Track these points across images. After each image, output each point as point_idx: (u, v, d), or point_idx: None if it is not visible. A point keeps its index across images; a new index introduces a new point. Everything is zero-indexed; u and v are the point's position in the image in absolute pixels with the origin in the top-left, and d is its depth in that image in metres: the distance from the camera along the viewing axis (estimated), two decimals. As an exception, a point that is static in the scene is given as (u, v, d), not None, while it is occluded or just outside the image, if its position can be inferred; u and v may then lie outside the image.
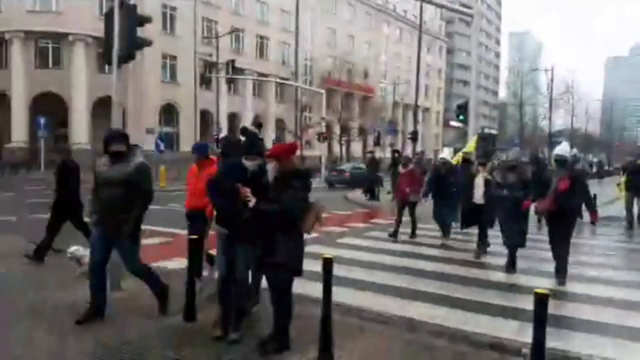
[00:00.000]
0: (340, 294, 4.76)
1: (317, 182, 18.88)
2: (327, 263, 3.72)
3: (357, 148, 46.82)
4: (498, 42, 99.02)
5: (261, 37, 41.13)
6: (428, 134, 61.30)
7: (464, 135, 62.09)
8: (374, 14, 53.10)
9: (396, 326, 4.54)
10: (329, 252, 5.55)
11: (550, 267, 6.35)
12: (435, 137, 64.16)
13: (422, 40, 25.70)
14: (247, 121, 40.00)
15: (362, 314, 4.80)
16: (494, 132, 75.04)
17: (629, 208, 11.37)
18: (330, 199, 15.70)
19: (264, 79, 38.16)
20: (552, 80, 46.51)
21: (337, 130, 40.62)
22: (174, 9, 33.96)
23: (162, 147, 21.06)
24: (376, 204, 15.78)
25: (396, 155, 17.09)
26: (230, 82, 31.06)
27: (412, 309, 5.07)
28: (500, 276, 6.53)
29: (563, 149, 6.33)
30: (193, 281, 4.47)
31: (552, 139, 46.98)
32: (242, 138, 4.10)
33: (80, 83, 29.68)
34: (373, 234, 9.83)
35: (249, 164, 3.88)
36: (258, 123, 33.92)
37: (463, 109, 14.46)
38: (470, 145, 11.76)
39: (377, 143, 27.07)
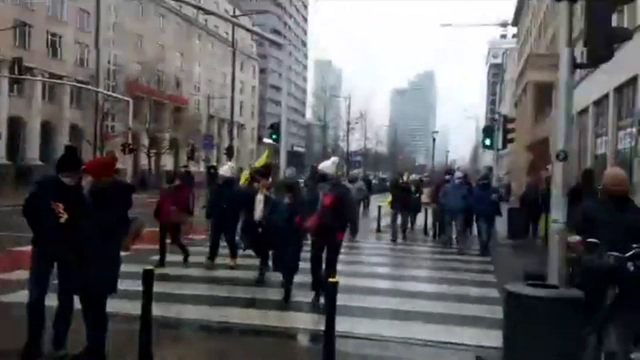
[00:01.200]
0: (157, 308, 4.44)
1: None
2: (148, 276, 3.74)
3: (168, 161, 44.49)
4: (305, 67, 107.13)
5: (53, 35, 36.20)
6: (244, 149, 62.14)
7: (277, 152, 64.27)
8: (186, 26, 51.81)
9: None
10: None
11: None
12: (250, 152, 65.36)
13: (236, 57, 26.04)
14: (34, 127, 34.72)
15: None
16: (302, 150, 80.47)
17: (393, 220, 12.25)
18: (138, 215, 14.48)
19: (58, 81, 33.55)
20: (349, 107, 53.08)
21: (145, 141, 38.00)
22: None
23: None
24: (190, 219, 15.17)
25: (212, 171, 16.74)
26: (15, 82, 26.40)
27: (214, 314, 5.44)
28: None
29: (326, 164, 5.95)
30: None
31: (349, 158, 53.59)
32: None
33: None
34: (192, 249, 9.30)
35: (67, 180, 3.79)
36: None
37: (276, 129, 15.09)
38: (261, 160, 11.17)
39: (190, 157, 26.09)
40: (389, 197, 13.39)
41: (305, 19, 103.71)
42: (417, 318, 5.41)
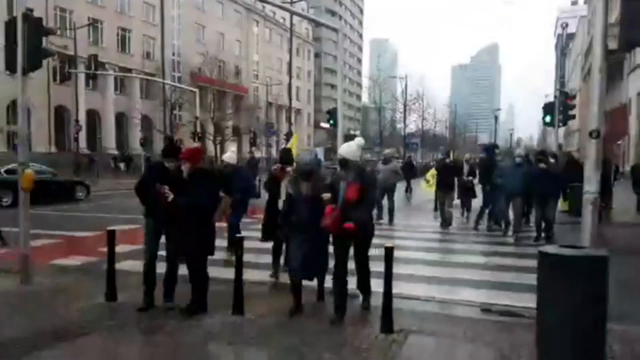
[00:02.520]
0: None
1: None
2: (239, 241, 4.68)
3: (232, 149, 46.45)
4: (360, 49, 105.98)
5: (123, 30, 38.68)
6: (301, 134, 63.44)
7: (334, 136, 64.79)
8: (244, 13, 53.18)
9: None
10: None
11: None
12: (307, 137, 66.51)
13: (293, 44, 26.72)
14: (109, 118, 37.56)
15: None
16: (357, 133, 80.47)
17: (442, 203, 11.21)
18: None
19: (127, 74, 35.98)
20: (406, 88, 52.20)
21: (210, 129, 39.96)
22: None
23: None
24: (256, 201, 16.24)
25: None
26: (91, 77, 28.76)
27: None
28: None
29: (347, 147, 4.71)
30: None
31: (406, 140, 52.95)
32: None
33: None
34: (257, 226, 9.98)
35: (169, 164, 4.66)
36: (142, 140, 32.07)
37: (333, 114, 15.62)
38: (291, 142, 10.02)
39: (253, 143, 27.28)
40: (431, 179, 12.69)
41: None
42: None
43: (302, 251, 4.55)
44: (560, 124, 13.89)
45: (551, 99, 20.95)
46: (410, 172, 19.94)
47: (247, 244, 4.96)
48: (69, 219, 11.90)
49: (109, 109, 37.33)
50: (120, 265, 5.60)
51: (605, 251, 3.36)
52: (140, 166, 29.55)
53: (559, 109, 13.45)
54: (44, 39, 5.98)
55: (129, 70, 36.79)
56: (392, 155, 12.60)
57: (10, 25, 5.49)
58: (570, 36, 63.04)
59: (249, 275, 5.31)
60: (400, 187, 15.30)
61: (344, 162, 4.64)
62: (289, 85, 26.17)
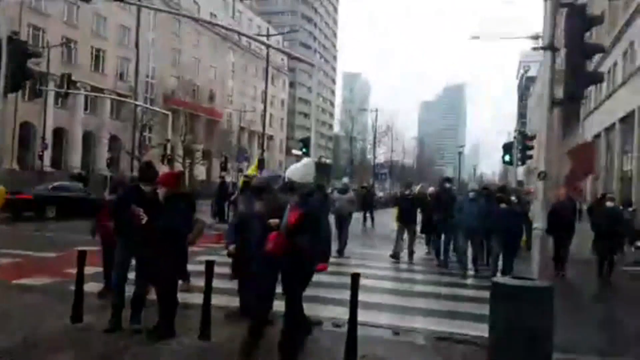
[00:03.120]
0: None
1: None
2: (209, 266, 4.78)
3: (200, 171, 46.24)
4: (333, 81, 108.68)
5: (97, 50, 38.52)
6: (272, 160, 63.69)
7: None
8: (219, 41, 53.90)
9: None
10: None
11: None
12: (279, 163, 66.83)
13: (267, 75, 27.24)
14: (76, 137, 36.87)
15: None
16: (329, 161, 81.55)
17: (398, 234, 10.78)
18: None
19: (100, 94, 35.64)
20: (376, 120, 54.06)
21: (180, 152, 39.72)
22: (-8, 7, 29.95)
23: None
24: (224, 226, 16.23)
25: (246, 179, 17.76)
26: (63, 95, 28.41)
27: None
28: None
29: (294, 169, 4.35)
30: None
31: (376, 170, 54.37)
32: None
33: None
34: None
35: (145, 188, 4.81)
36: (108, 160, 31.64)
37: (306, 143, 16.13)
38: (252, 168, 10.76)
39: (224, 168, 27.35)
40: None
41: (334, 34, 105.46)
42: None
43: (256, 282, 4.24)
44: (519, 163, 14.68)
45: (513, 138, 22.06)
46: (369, 202, 19.73)
47: (216, 268, 5.06)
48: (31, 238, 11.67)
49: (77, 127, 36.72)
50: (87, 287, 5.59)
51: (549, 283, 3.70)
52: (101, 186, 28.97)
53: (517, 149, 14.24)
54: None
55: (101, 90, 36.48)
56: (347, 186, 12.40)
57: (-6, 47, 5.56)
58: (532, 79, 66.47)
59: (216, 300, 5.39)
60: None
61: (290, 185, 4.29)
62: (264, 112, 26.58)
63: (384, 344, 4.91)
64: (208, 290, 4.73)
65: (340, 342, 4.40)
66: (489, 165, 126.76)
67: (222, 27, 17.62)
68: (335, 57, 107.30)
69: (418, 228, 11.17)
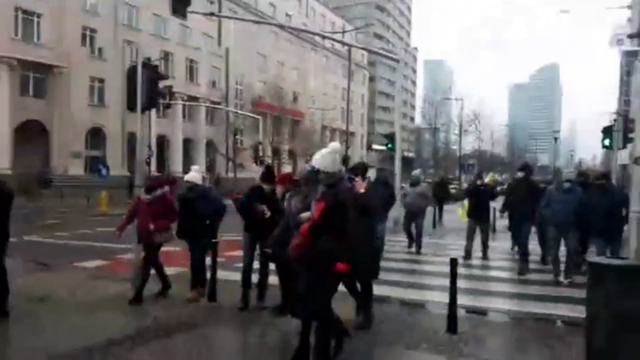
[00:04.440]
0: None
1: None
2: None
3: (287, 171, 48.23)
4: (414, 71, 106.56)
5: (191, 61, 41.58)
6: (354, 156, 64.36)
7: (387, 157, 65.32)
8: (296, 40, 55.52)
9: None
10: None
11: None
12: (360, 159, 67.38)
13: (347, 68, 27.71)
14: (177, 144, 40.23)
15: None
16: (411, 155, 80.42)
17: (469, 234, 9.52)
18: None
19: (195, 103, 38.57)
20: (462, 109, 52.25)
21: (268, 153, 41.76)
22: (94, 30, 33.60)
23: (104, 172, 20.78)
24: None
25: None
26: (165, 107, 31.28)
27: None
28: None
29: (320, 157, 3.82)
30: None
31: (462, 161, 52.49)
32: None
33: (1, 106, 28.39)
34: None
35: (266, 187, 5.59)
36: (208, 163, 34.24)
37: (390, 139, 16.46)
38: None
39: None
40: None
41: (409, 21, 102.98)
42: None
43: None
44: (620, 147, 13.82)
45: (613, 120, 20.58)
46: (444, 194, 17.51)
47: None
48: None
49: (178, 134, 39.96)
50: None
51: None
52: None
53: (619, 131, 13.42)
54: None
55: (196, 99, 39.40)
56: (418, 177, 11.11)
57: (131, 71, 6.70)
58: (634, 53, 60.32)
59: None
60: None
61: (316, 175, 3.81)
62: (347, 110, 27.19)
63: (481, 322, 5.31)
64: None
65: (438, 321, 4.92)
66: (588, 149, 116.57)
67: (305, 31, 18.39)
68: (413, 46, 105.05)
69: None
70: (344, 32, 46.53)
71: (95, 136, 33.99)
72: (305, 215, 3.90)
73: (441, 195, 16.97)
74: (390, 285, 6.62)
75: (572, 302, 6.03)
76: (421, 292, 6.95)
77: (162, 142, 39.60)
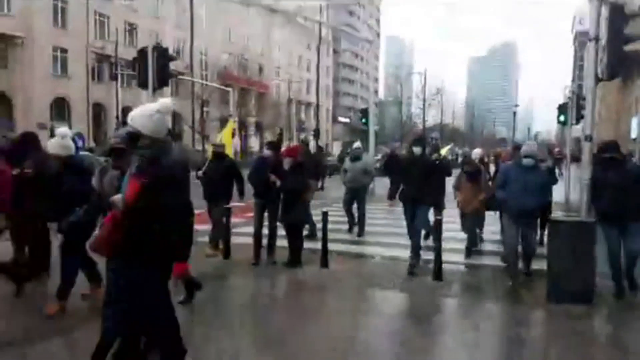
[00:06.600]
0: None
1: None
2: (325, 215, 6.34)
3: (254, 143, 48.52)
4: (377, 45, 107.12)
5: (156, 33, 40.66)
6: (320, 129, 65.11)
7: (352, 130, 66.30)
8: (266, 14, 54.80)
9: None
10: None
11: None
12: (325, 132, 68.19)
13: (310, 40, 27.92)
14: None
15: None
16: (375, 128, 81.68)
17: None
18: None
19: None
20: (425, 83, 53.86)
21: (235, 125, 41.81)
22: (65, 1, 32.61)
23: (79, 143, 20.47)
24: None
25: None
26: (133, 78, 30.86)
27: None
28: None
29: (138, 114, 3.08)
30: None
31: (426, 135, 54.37)
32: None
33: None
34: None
35: (272, 156, 6.58)
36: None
37: (364, 114, 17.25)
38: (224, 133, 8.53)
39: (280, 139, 29.24)
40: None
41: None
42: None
43: None
44: (573, 123, 15.12)
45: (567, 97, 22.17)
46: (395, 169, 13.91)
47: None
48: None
49: (142, 104, 39.25)
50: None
51: (593, 219, 4.95)
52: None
53: (574, 108, 14.65)
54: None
55: (162, 70, 38.75)
56: (359, 152, 9.16)
57: (142, 53, 7.17)
58: (586, 34, 63.13)
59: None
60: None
61: (133, 138, 2.86)
62: (317, 84, 27.68)
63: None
64: (325, 234, 6.34)
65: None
66: (544, 123, 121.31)
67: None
68: (378, 21, 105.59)
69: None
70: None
71: (59, 107, 33.13)
72: (118, 197, 2.85)
73: (393, 170, 13.47)
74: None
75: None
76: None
77: (127, 113, 38.80)
